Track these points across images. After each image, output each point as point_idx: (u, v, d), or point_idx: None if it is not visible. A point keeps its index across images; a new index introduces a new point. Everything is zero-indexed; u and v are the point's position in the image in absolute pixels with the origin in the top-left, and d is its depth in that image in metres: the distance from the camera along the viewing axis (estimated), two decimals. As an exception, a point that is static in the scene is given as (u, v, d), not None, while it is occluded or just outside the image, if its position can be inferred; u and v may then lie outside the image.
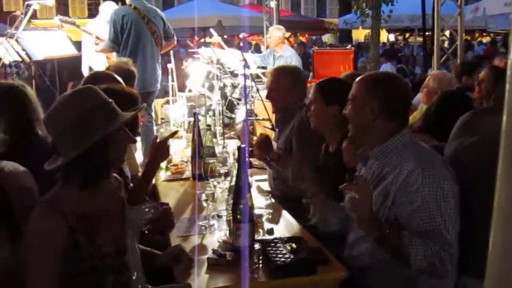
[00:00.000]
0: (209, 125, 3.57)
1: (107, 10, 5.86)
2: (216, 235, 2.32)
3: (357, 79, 2.21)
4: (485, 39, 19.11)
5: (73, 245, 1.70)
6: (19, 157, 2.01)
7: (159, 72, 5.31)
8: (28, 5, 5.59)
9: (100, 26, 5.81)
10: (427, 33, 10.00)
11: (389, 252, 1.93)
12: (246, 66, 4.83)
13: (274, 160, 3.10)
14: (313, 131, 2.86)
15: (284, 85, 3.32)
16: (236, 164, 2.16)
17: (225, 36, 13.41)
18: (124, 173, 2.48)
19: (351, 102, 2.16)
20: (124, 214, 1.93)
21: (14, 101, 2.30)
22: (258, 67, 7.00)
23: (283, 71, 3.48)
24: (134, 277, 1.84)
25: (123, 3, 5.52)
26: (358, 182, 1.95)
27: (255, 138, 6.27)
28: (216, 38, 6.84)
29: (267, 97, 3.49)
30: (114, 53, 5.20)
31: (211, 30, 7.00)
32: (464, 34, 7.61)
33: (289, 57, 6.68)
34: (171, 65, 6.03)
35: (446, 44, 11.02)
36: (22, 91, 2.33)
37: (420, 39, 15.54)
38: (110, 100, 1.82)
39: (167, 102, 6.48)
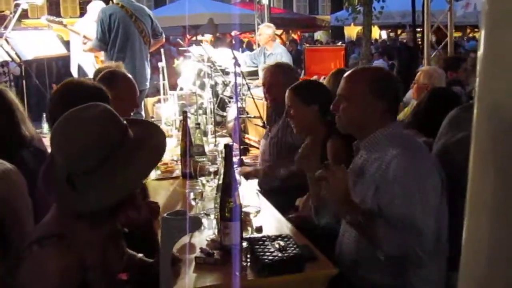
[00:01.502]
0: (198, 124, 3.55)
1: (95, 9, 5.83)
2: (205, 234, 2.30)
3: (350, 74, 2.18)
4: (477, 35, 19.16)
5: (83, 283, 1.53)
6: (5, 157, 1.99)
7: (148, 70, 5.30)
8: (17, 5, 5.57)
9: (88, 25, 5.78)
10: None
11: (365, 238, 1.97)
12: (237, 64, 4.81)
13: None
14: None
15: (282, 79, 3.45)
16: (224, 162, 2.14)
17: (218, 34, 13.39)
18: None
19: (347, 100, 2.11)
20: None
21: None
22: (248, 67, 6.97)
23: (280, 67, 3.70)
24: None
25: (112, 1, 5.49)
26: (331, 167, 1.96)
27: (246, 136, 6.25)
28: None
29: (267, 92, 3.60)
30: (103, 52, 5.18)
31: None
32: (454, 30, 7.63)
33: (279, 54, 6.68)
34: (162, 64, 6.02)
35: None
36: (3, 93, 2.30)
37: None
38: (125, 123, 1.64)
39: (159, 101, 6.47)
